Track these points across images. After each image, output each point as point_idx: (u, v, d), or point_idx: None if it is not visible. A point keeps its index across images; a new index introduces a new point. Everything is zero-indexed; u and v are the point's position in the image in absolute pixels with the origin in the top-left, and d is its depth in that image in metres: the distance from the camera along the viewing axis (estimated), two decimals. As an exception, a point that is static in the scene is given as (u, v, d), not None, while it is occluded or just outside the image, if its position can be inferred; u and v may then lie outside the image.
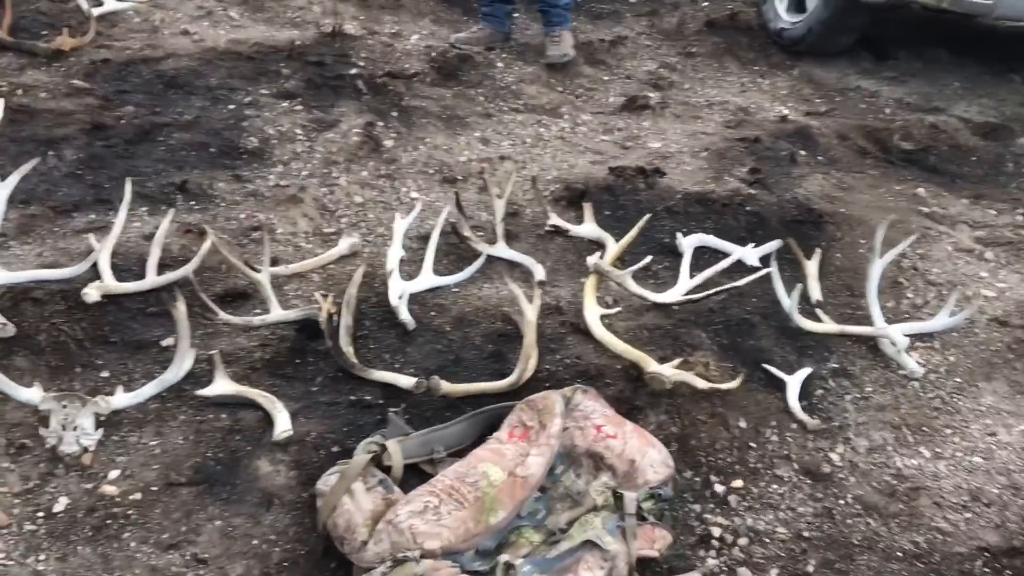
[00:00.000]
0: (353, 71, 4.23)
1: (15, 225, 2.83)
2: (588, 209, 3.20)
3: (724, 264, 2.90)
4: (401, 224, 2.95)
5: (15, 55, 3.99)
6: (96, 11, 4.34)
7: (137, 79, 3.94)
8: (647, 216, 2.86)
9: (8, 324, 2.32)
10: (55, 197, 3.04)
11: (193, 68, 4.07)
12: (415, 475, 2.05)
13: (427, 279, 2.84)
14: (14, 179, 2.51)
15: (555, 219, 3.20)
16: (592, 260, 2.85)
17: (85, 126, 3.49)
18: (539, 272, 2.94)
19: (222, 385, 2.26)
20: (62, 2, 4.51)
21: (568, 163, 3.69)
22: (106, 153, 3.35)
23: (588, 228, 3.16)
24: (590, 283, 2.75)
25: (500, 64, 4.58)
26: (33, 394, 2.11)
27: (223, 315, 2.50)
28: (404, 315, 2.63)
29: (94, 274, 2.58)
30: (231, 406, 2.25)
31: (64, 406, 2.07)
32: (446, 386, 2.33)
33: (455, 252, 3.04)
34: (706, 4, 5.53)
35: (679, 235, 3.13)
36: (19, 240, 2.80)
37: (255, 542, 1.94)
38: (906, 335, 2.73)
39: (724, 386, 2.41)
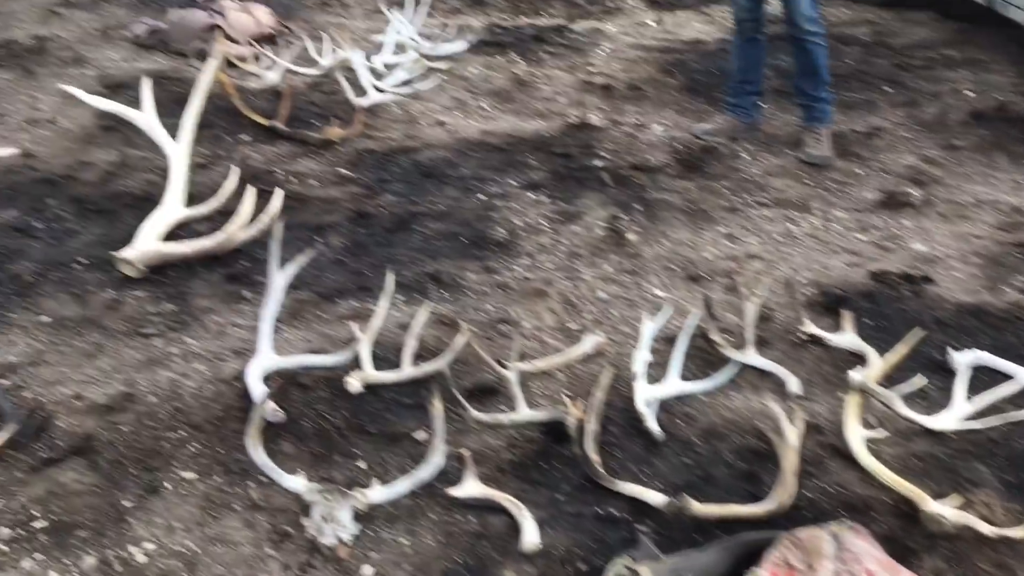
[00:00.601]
0: (597, 163, 4.27)
1: (286, 310, 3.01)
2: (847, 318, 3.00)
3: (1008, 389, 2.62)
4: (649, 327, 2.88)
5: (290, 144, 4.34)
6: (362, 103, 4.64)
7: (397, 168, 4.16)
8: (919, 332, 2.63)
9: (279, 410, 2.45)
10: (321, 283, 3.22)
11: (447, 158, 4.26)
12: (664, 603, 1.95)
13: (674, 385, 2.75)
14: (292, 270, 2.67)
15: (810, 326, 3.02)
16: (855, 376, 2.65)
17: (349, 214, 3.72)
18: (793, 384, 2.77)
19: (472, 486, 2.26)
20: (332, 95, 4.87)
21: (822, 264, 3.50)
22: (368, 241, 3.53)
23: (847, 338, 2.96)
24: (852, 401, 2.55)
25: (745, 156, 4.48)
26: (297, 482, 2.20)
27: (474, 412, 2.52)
28: (651, 424, 2.55)
29: (355, 362, 2.69)
30: (480, 508, 2.24)
31: (325, 498, 2.14)
32: (697, 507, 2.21)
33: (701, 356, 2.93)
34: (970, 94, 5.18)
35: (952, 351, 2.86)
36: (289, 324, 2.98)
37: (501, 659, 1.89)
38: None
39: (1013, 533, 2.14)
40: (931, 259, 3.51)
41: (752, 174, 4.30)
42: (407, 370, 2.68)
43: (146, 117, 3.68)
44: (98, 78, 4.86)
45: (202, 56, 5.08)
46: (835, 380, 2.82)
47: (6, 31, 5.44)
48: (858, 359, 2.87)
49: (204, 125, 4.30)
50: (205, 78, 3.78)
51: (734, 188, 4.16)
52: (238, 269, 3.26)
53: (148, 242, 3.19)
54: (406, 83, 4.98)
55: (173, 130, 3.62)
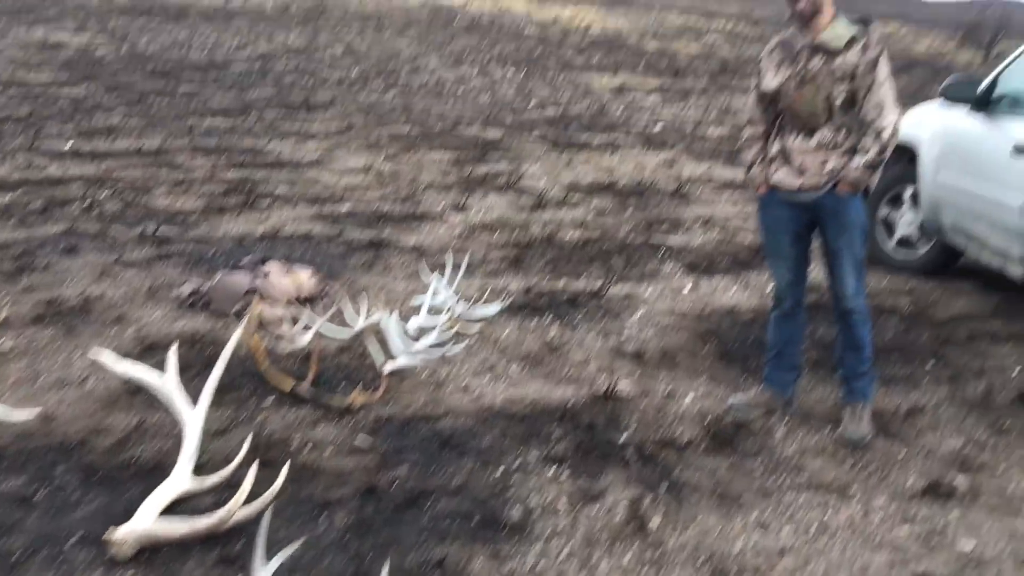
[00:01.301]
0: (623, 437, 4.13)
1: (275, 600, 2.84)
2: (887, 633, 2.71)
3: None
4: (663, 639, 2.63)
5: (312, 408, 4.29)
6: (388, 367, 4.63)
7: (415, 437, 4.06)
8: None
9: None
10: (318, 567, 3.04)
11: (468, 427, 4.16)
12: None
13: None
14: (275, 563, 2.52)
15: (846, 641, 2.73)
16: None
17: (360, 487, 3.58)
18: None
19: None
20: (362, 357, 4.88)
21: (861, 562, 3.23)
22: (374, 519, 3.37)
23: (887, 658, 2.65)
24: None
25: (780, 432, 4.30)
26: None
27: None
28: None
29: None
30: None
31: None
32: None
33: (725, 672, 2.64)
34: (1017, 375, 5.00)
35: None
36: (276, 617, 2.78)
37: None
38: None
39: None
40: (981, 561, 3.22)
41: (787, 453, 4.11)
42: None
43: (166, 382, 3.70)
44: (136, 338, 4.96)
45: (240, 317, 5.22)
46: None
47: (57, 288, 5.67)
48: None
49: (230, 388, 4.34)
50: (230, 344, 3.82)
51: (768, 468, 3.96)
52: (234, 550, 3.10)
53: (142, 522, 3.07)
54: (436, 346, 4.98)
55: (199, 393, 3.61)
